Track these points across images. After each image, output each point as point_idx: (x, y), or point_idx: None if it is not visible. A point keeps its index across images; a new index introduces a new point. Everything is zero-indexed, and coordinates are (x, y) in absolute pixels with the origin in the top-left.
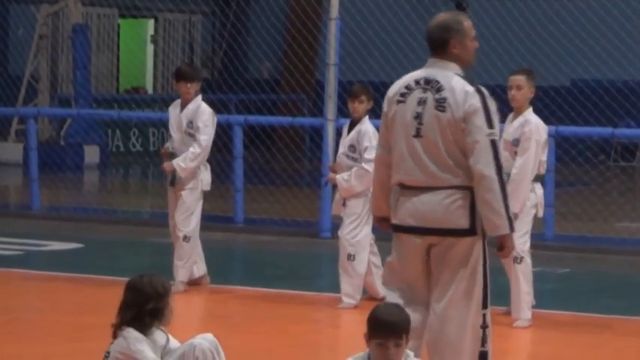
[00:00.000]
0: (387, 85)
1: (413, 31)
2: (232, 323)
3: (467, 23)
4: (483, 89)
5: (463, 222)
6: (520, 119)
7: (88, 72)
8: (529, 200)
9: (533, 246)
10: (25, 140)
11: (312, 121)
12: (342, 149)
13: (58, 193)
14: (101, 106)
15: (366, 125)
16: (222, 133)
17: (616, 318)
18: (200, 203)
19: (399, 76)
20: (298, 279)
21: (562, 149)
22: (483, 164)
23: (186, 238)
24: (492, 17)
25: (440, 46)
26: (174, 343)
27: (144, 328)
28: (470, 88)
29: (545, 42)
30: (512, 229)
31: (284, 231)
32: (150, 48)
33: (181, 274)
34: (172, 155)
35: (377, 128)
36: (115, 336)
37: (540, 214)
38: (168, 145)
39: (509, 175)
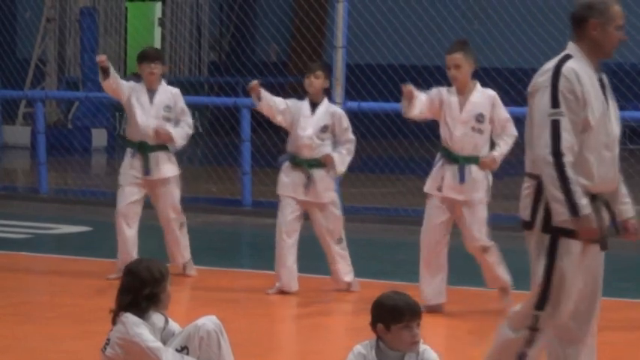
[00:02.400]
0: (395, 69)
1: (422, 12)
2: (238, 306)
3: (616, 8)
4: (563, 67)
5: (526, 213)
6: (476, 95)
7: (96, 55)
8: (482, 187)
9: None
10: (33, 123)
11: None
12: (311, 130)
13: (66, 175)
14: None
15: (333, 106)
16: (230, 116)
17: (629, 301)
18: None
19: (408, 58)
20: (307, 262)
21: None
22: (540, 146)
23: (182, 225)
24: None
25: (577, 25)
26: (173, 324)
27: (141, 313)
28: (548, 66)
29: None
30: (575, 212)
31: None
32: (157, 31)
33: (181, 255)
34: (144, 142)
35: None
36: (114, 322)
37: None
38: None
39: (467, 158)
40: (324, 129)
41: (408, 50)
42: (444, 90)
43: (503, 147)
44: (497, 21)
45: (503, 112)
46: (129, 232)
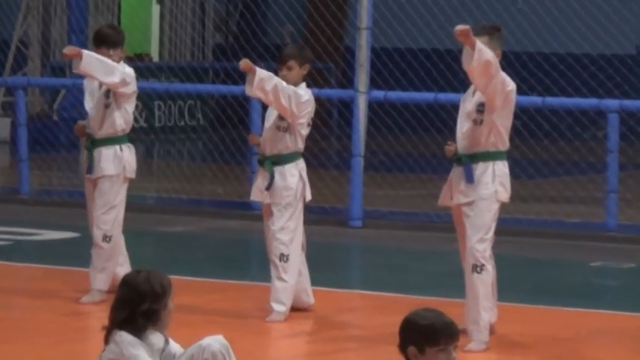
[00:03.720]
0: (426, 52)
1: None
2: (246, 323)
3: None
4: None
5: None
6: None
7: (85, 36)
8: (486, 187)
9: (592, 237)
10: (13, 114)
11: (341, 93)
12: (270, 121)
13: (50, 174)
14: None
15: (302, 89)
16: (239, 107)
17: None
18: (124, 193)
19: (439, 41)
20: (323, 273)
21: (627, 126)
22: None
23: (106, 238)
24: None
25: None
26: (174, 345)
27: (137, 332)
28: None
29: (608, 4)
30: None
31: (308, 218)
32: (155, 9)
33: (99, 282)
34: (89, 136)
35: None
36: (106, 342)
37: (506, 198)
38: (84, 122)
39: (470, 156)
40: (280, 117)
41: (442, 32)
42: None
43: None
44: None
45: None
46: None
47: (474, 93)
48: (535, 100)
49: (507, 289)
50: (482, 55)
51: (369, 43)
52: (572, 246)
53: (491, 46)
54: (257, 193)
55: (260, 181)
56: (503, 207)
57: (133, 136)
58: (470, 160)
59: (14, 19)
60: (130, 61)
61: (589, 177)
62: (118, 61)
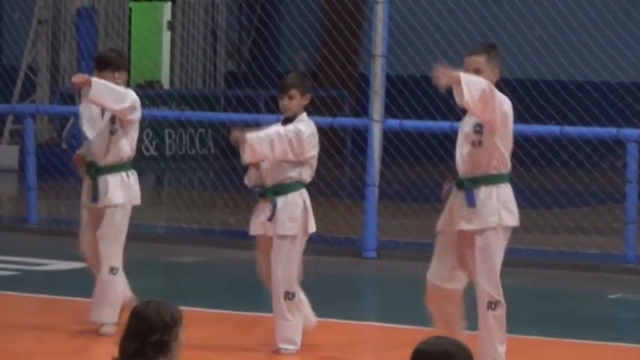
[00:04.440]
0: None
1: (473, 17)
2: (257, 356)
3: None
4: None
5: None
6: None
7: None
8: (492, 213)
9: (611, 268)
10: (22, 142)
11: (355, 122)
12: None
13: (58, 203)
14: None
15: (303, 124)
16: None
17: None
18: (127, 223)
19: (455, 68)
20: (337, 305)
21: None
22: None
23: (112, 270)
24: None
25: None
26: None
27: None
28: None
29: (627, 31)
30: None
31: (321, 249)
32: (166, 35)
33: (108, 315)
34: (91, 164)
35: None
36: None
37: (514, 222)
38: (82, 151)
39: (472, 180)
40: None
41: (458, 59)
42: None
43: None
44: (563, 26)
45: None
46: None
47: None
48: (553, 129)
49: (524, 321)
50: (472, 87)
51: (383, 71)
52: (590, 277)
53: (489, 65)
54: (258, 227)
55: (261, 214)
56: (520, 237)
57: (143, 165)
58: (472, 184)
59: (23, 45)
60: (140, 88)
61: (607, 207)
62: (123, 85)
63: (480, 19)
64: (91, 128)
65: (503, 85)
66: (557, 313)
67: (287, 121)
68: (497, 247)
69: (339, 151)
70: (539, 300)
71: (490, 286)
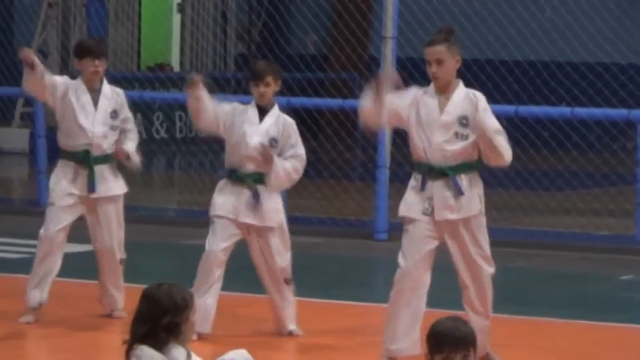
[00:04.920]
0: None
1: None
2: (270, 338)
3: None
4: None
5: None
6: (458, 94)
7: (105, 45)
8: (478, 201)
9: (622, 250)
10: (32, 125)
11: None
12: (258, 138)
13: None
14: (120, 86)
15: (284, 115)
16: None
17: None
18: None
19: (466, 51)
20: (348, 288)
21: None
22: None
23: (121, 261)
24: None
25: None
26: (196, 359)
27: (159, 346)
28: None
29: (638, 12)
30: None
31: (332, 231)
32: (176, 18)
33: (121, 301)
34: (87, 153)
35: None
36: (127, 356)
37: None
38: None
39: (454, 168)
40: (274, 142)
41: (469, 41)
42: (419, 91)
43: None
44: (574, 8)
45: (489, 119)
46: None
47: (444, 104)
48: (563, 110)
49: (536, 303)
50: (505, 151)
51: (394, 53)
52: (602, 259)
53: (450, 53)
54: (246, 214)
55: (233, 198)
56: (532, 220)
57: (154, 148)
58: (454, 172)
59: (33, 27)
60: (150, 71)
61: (619, 189)
62: (103, 73)
63: (491, 1)
64: (85, 117)
65: (514, 66)
66: (568, 294)
67: (262, 109)
68: (484, 230)
69: (350, 133)
70: (551, 282)
71: (489, 265)
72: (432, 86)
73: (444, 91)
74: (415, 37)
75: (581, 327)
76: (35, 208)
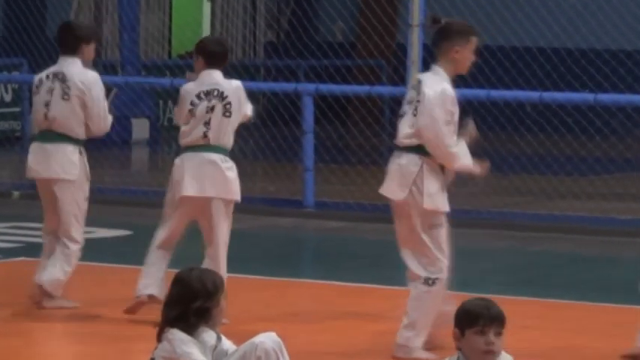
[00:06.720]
0: (479, 50)
1: None
2: (300, 321)
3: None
4: None
5: None
6: None
7: (137, 34)
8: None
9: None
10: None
11: (393, 90)
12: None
13: (102, 172)
14: (151, 74)
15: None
16: (290, 104)
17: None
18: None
19: (491, 38)
20: (378, 271)
21: None
22: None
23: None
24: None
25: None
26: (226, 342)
27: (190, 329)
28: None
29: None
30: None
31: (361, 216)
32: (207, 6)
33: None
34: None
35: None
36: (159, 339)
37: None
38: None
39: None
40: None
41: (493, 29)
42: None
43: None
44: None
45: None
46: None
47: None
48: (587, 96)
49: (560, 286)
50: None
51: (421, 40)
52: (625, 243)
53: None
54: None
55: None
56: (555, 204)
57: None
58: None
59: (66, 17)
60: (181, 58)
61: None
62: (93, 57)
63: None
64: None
65: (538, 53)
66: (592, 278)
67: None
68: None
69: (378, 119)
70: (575, 265)
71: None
72: None
73: None
74: None
75: (604, 309)
76: None
